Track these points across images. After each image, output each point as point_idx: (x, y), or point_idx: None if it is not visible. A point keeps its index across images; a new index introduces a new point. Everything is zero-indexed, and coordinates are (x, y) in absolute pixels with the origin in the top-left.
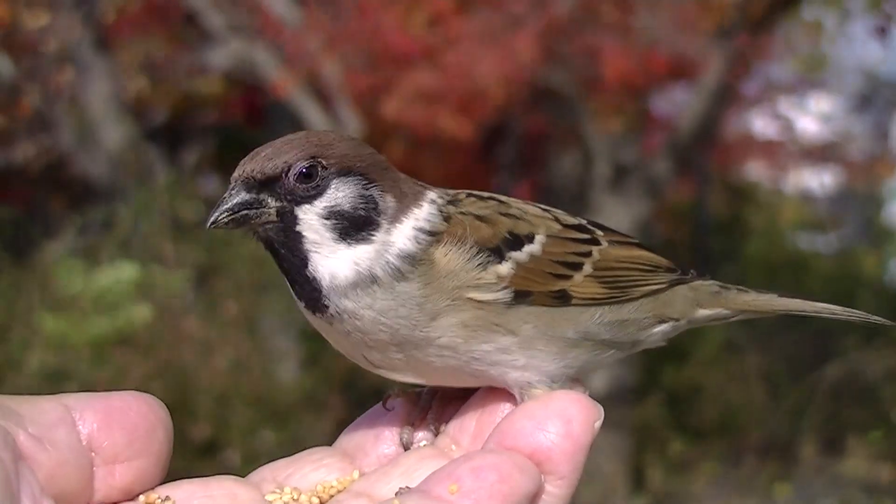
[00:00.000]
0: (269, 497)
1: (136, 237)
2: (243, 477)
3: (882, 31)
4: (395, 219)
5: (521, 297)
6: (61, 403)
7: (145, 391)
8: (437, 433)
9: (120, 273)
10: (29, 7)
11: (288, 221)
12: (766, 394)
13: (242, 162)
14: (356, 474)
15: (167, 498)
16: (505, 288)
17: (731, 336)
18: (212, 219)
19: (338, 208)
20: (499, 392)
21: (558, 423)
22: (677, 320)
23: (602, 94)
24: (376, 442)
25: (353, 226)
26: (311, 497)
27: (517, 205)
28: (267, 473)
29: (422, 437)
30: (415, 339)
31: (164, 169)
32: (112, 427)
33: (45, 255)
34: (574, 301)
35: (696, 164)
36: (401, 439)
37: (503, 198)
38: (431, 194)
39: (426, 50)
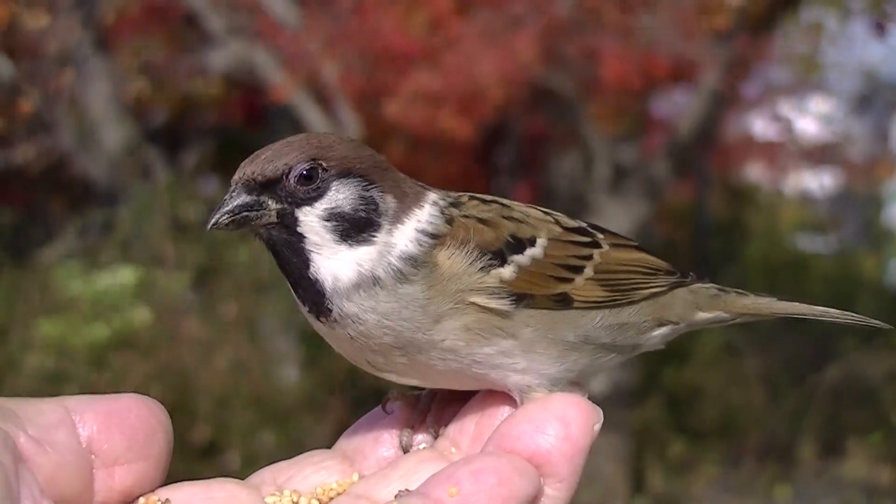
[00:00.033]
0: (269, 499)
1: (136, 238)
2: (243, 479)
3: (881, 28)
4: (397, 220)
5: (522, 300)
6: (61, 406)
7: (145, 393)
8: (436, 436)
9: (119, 277)
10: (29, 8)
11: (288, 223)
12: (765, 396)
13: (243, 164)
14: (356, 477)
15: (167, 500)
16: (507, 291)
17: (730, 338)
18: (212, 220)
19: (338, 210)
20: (498, 395)
21: (557, 426)
22: (676, 323)
23: (602, 95)
24: (376, 445)
25: (353, 227)
26: (310, 499)
27: (519, 208)
28: (267, 476)
29: (421, 439)
30: (418, 341)
31: (163, 170)
32: (112, 430)
33: (45, 256)
34: (575, 304)
35: (695, 166)
36: (400, 442)
37: (505, 201)
38: (432, 195)
39: (426, 51)
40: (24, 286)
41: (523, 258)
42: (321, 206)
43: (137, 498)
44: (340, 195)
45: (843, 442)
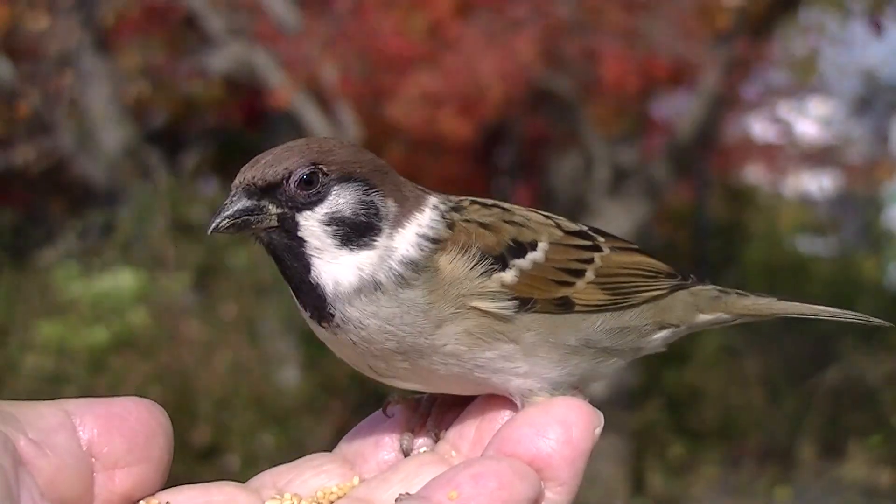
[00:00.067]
0: (270, 503)
1: (137, 240)
2: (243, 482)
3: (877, 27)
4: (398, 223)
5: (524, 304)
6: (61, 409)
7: (145, 394)
8: (436, 439)
9: (119, 279)
10: (29, 9)
11: (289, 227)
12: (765, 397)
13: (243, 168)
14: (356, 480)
15: (167, 503)
16: (509, 296)
17: (730, 340)
18: (213, 224)
19: (339, 214)
20: (498, 399)
21: (558, 430)
22: (677, 326)
23: (602, 97)
24: (376, 448)
25: (354, 231)
26: (311, 503)
27: (520, 212)
28: (267, 479)
29: (422, 443)
30: (420, 346)
31: (163, 172)
32: (112, 433)
33: (45, 258)
34: (576, 308)
35: (695, 168)
36: (401, 445)
37: (506, 205)
38: (433, 199)
39: (426, 53)
40: (24, 287)
41: (525, 262)
42: (322, 211)
43: (138, 501)
44: (341, 199)
45: (843, 443)
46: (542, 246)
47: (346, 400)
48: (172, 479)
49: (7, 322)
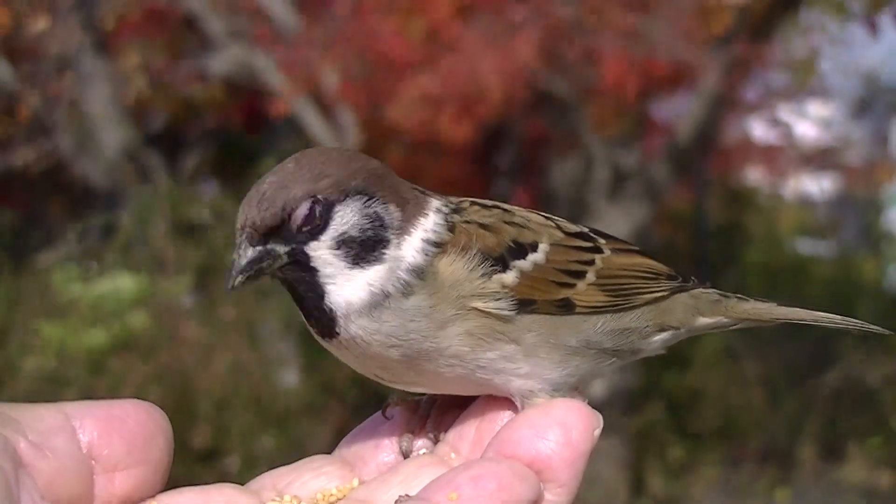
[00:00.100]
0: None
1: (137, 241)
2: (243, 484)
3: (873, 27)
4: (403, 230)
5: (525, 305)
6: (61, 411)
7: (144, 396)
8: (436, 441)
9: (119, 282)
10: (30, 11)
11: (301, 260)
12: (765, 399)
13: (242, 208)
14: (356, 482)
15: None
16: (509, 297)
17: (730, 341)
18: (230, 284)
19: (346, 235)
20: (498, 400)
21: (558, 431)
22: (677, 329)
23: (601, 98)
24: (376, 450)
25: (364, 248)
26: None
27: (520, 213)
28: (267, 481)
29: (421, 445)
30: (425, 350)
31: (163, 173)
32: (112, 435)
33: (45, 259)
34: (577, 309)
35: (695, 170)
36: (400, 447)
37: (506, 206)
38: (435, 202)
39: (425, 56)
40: (24, 289)
41: (525, 263)
42: (329, 237)
43: (137, 503)
44: (345, 220)
45: (843, 445)
46: (543, 247)
47: (346, 402)
48: (172, 481)
49: (7, 324)
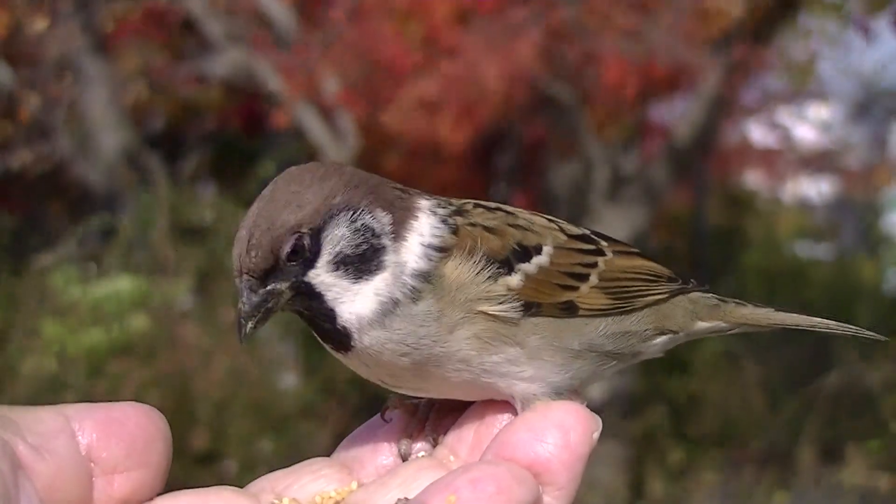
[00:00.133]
0: None
1: (136, 244)
2: (242, 487)
3: (865, 31)
4: (397, 235)
5: (529, 308)
6: (61, 414)
7: (143, 399)
8: (435, 444)
9: (118, 284)
10: (29, 13)
11: (304, 290)
12: (765, 403)
13: (234, 256)
14: (354, 485)
15: None
16: (515, 300)
17: (730, 345)
18: (242, 334)
19: (341, 255)
20: (497, 403)
21: (556, 434)
22: (676, 332)
23: (601, 101)
24: (374, 453)
25: (362, 261)
26: None
27: (524, 215)
28: (265, 484)
29: (420, 448)
30: (435, 355)
31: (162, 176)
32: (111, 438)
33: (43, 261)
34: (580, 312)
35: (694, 173)
36: (399, 450)
37: (509, 208)
38: (424, 202)
39: (424, 61)
40: (23, 291)
41: (530, 266)
42: (323, 262)
43: None
44: (335, 241)
45: (843, 449)
46: (547, 250)
47: (345, 405)
48: (171, 484)
49: (6, 326)
